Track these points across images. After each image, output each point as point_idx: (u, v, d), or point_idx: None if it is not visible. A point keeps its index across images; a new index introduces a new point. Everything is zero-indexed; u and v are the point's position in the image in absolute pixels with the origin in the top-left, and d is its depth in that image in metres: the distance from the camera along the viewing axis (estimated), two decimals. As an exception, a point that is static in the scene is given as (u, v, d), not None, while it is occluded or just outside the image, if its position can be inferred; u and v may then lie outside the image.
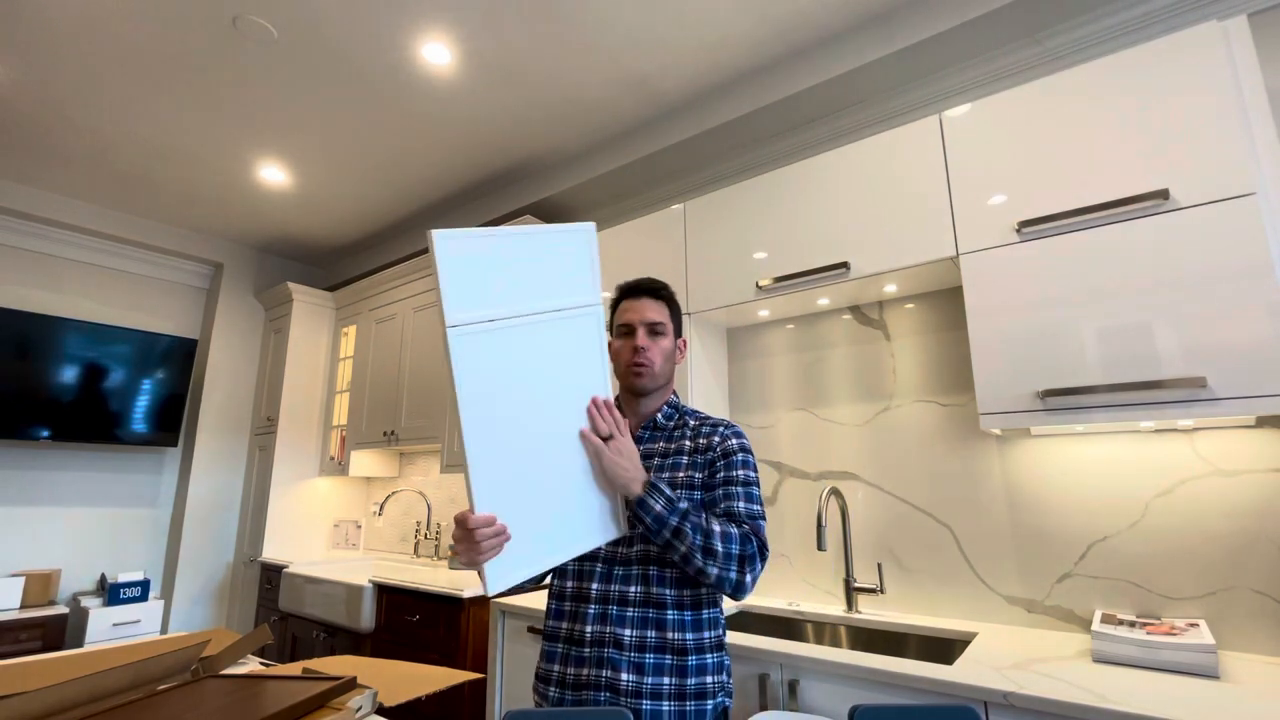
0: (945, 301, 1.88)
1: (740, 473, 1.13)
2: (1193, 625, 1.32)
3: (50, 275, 3.38)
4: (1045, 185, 1.46)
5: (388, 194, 3.21)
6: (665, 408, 1.23)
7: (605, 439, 1.00)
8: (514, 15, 1.98)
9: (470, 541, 0.86)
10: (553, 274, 0.95)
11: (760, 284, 1.89)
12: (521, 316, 0.91)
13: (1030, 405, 1.40)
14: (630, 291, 1.25)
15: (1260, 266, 1.19)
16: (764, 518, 1.11)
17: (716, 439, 1.17)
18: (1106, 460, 1.56)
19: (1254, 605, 1.35)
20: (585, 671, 1.04)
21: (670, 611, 1.06)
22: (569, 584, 1.14)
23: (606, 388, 1.03)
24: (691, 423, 1.22)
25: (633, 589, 1.08)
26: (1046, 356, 1.40)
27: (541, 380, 0.93)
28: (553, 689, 1.08)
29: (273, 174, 3.01)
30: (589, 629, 1.06)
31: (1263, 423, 1.39)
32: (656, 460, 1.17)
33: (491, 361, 0.88)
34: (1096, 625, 1.35)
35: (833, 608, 1.88)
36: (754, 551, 1.04)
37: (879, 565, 1.86)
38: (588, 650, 1.05)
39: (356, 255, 4.04)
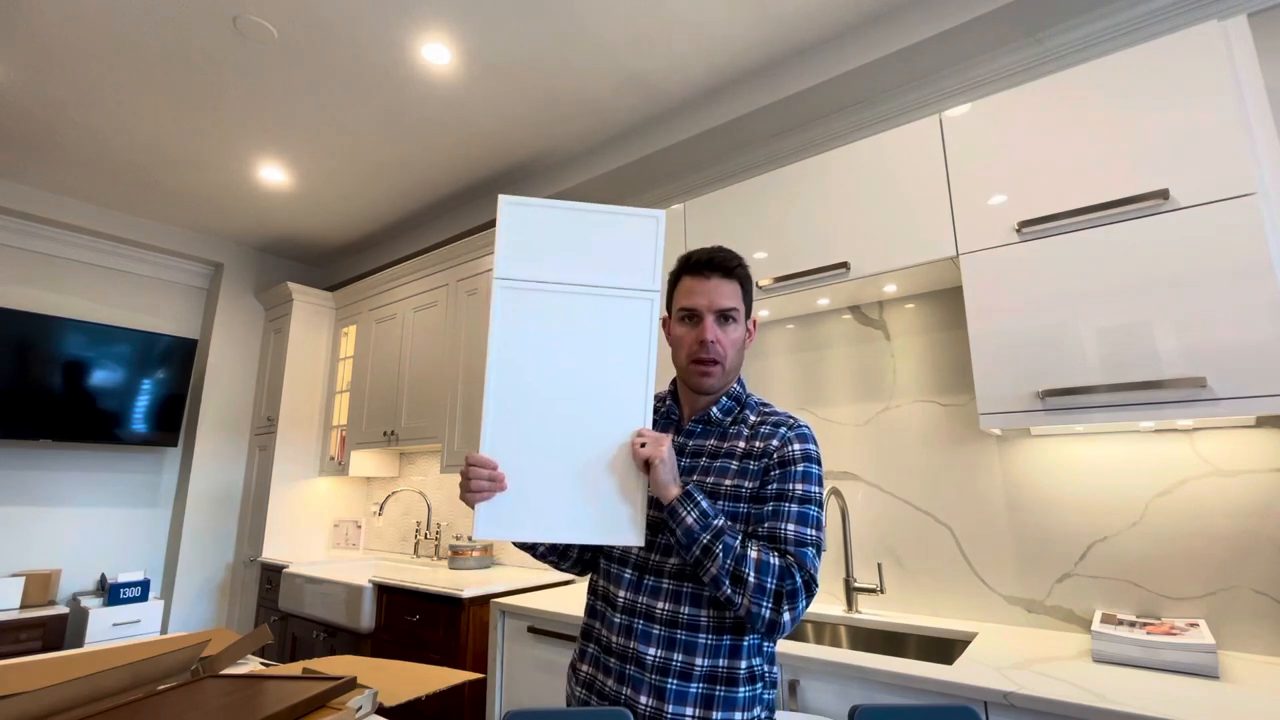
0: (945, 301, 1.88)
1: (797, 487, 0.96)
2: (1193, 625, 1.32)
3: (50, 275, 3.38)
4: (1045, 185, 1.46)
5: (388, 194, 3.21)
6: (724, 399, 1.07)
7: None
8: (514, 15, 1.98)
9: (465, 478, 0.91)
10: (612, 254, 0.96)
11: (760, 284, 1.89)
12: (571, 285, 0.93)
13: (1030, 405, 1.40)
14: (697, 267, 1.04)
15: (1260, 266, 1.19)
16: (816, 544, 0.93)
17: (775, 442, 0.99)
18: (1106, 460, 1.56)
19: (1254, 605, 1.35)
20: (609, 683, 0.98)
21: (702, 635, 0.94)
22: (600, 583, 1.06)
23: (649, 379, 0.96)
24: (752, 418, 1.05)
25: (660, 605, 0.96)
26: (1046, 356, 1.40)
27: (579, 353, 0.94)
28: (579, 688, 1.03)
29: (273, 174, 3.01)
30: (615, 639, 0.99)
31: (1263, 423, 1.39)
32: (704, 460, 1.03)
33: (532, 318, 0.92)
34: (1096, 625, 1.35)
35: (833, 608, 1.88)
36: (795, 587, 0.88)
37: (879, 565, 1.86)
38: (612, 661, 0.98)
39: (356, 255, 4.04)
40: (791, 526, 0.93)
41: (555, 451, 0.93)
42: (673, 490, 0.92)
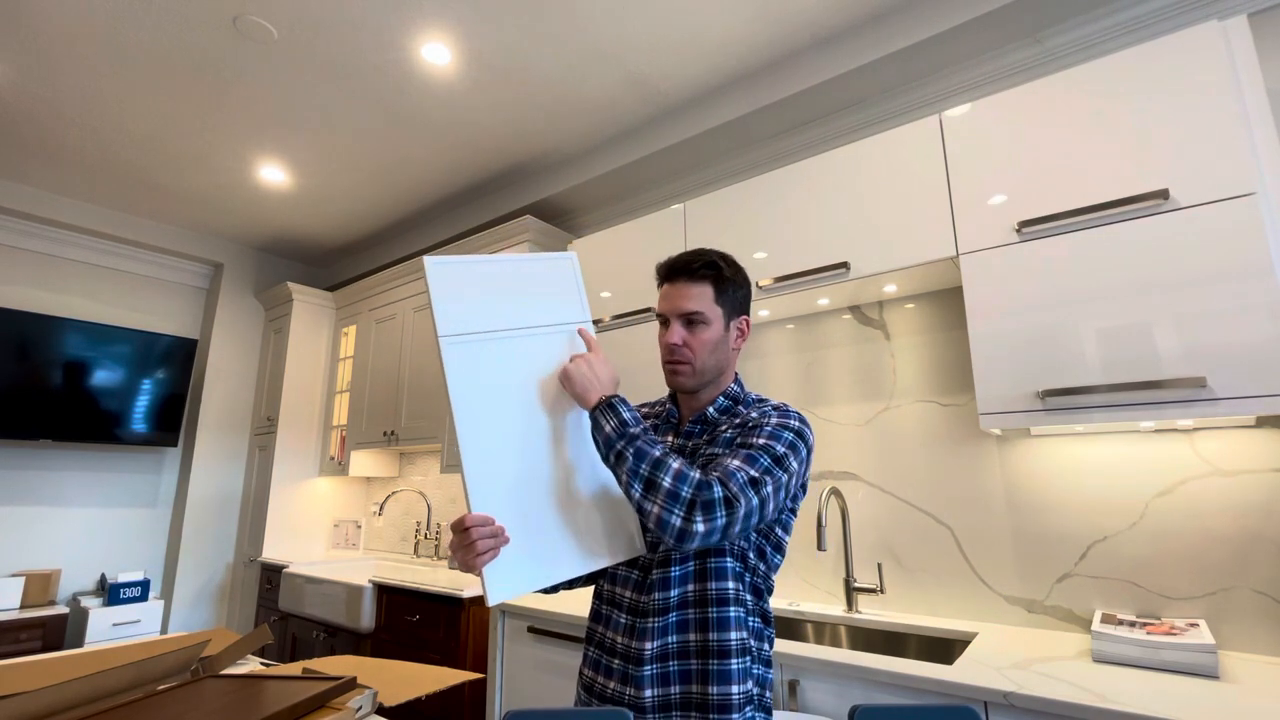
0: (945, 301, 1.88)
1: (756, 439, 0.93)
2: (1193, 625, 1.32)
3: (50, 275, 3.38)
4: (1045, 185, 1.46)
5: (388, 194, 3.21)
6: (721, 399, 1.06)
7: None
8: (514, 15, 1.98)
9: (466, 542, 0.84)
10: (540, 296, 1.02)
11: (760, 284, 1.89)
12: (511, 330, 0.98)
13: (1030, 405, 1.40)
14: (664, 274, 1.06)
15: (1260, 266, 1.19)
16: (754, 483, 0.88)
17: (754, 416, 0.99)
18: (1106, 460, 1.56)
19: (1254, 605, 1.35)
20: (610, 684, 0.97)
21: (693, 610, 0.95)
22: (604, 585, 1.06)
23: None
24: (747, 413, 1.04)
25: (659, 595, 0.97)
26: (1046, 356, 1.40)
27: (535, 390, 0.97)
28: (581, 691, 1.03)
29: (273, 174, 3.01)
30: (619, 640, 0.98)
31: (1263, 423, 1.39)
32: (702, 459, 1.03)
33: (484, 369, 0.94)
34: (1096, 625, 1.35)
35: (833, 608, 1.88)
36: (712, 499, 0.84)
37: (879, 565, 1.86)
38: (615, 662, 0.98)
39: (356, 255, 4.04)
40: (734, 461, 0.90)
41: (540, 490, 0.93)
42: (591, 398, 0.95)
